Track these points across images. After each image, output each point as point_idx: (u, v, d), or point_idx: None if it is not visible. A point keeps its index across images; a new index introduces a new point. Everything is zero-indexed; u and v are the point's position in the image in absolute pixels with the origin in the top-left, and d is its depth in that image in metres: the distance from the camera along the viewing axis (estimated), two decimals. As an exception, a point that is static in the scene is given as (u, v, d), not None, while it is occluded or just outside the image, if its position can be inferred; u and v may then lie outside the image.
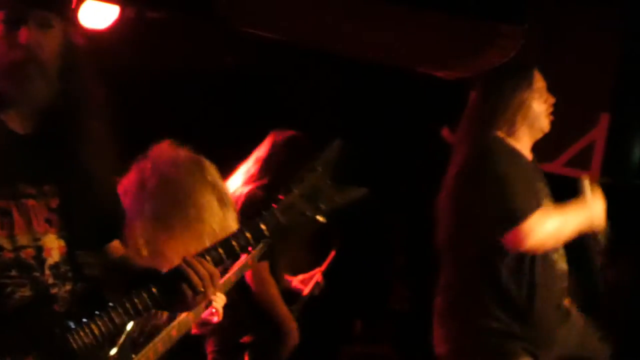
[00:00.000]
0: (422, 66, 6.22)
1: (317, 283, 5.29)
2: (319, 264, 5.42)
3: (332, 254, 5.38)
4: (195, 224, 3.33)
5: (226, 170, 4.90)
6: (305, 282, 5.29)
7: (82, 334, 2.62)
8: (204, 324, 4.68)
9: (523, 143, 4.11)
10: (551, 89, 5.35)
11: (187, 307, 2.74)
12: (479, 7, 5.61)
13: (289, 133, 5.07)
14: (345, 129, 7.02)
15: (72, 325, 2.64)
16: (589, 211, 4.01)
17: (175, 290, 2.66)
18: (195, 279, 2.64)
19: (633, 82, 5.57)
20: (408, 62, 6.17)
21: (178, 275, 2.65)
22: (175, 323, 3.58)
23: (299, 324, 5.05)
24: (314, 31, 5.90)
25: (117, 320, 2.65)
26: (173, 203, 3.33)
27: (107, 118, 2.80)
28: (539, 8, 5.77)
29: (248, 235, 2.75)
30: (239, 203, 4.79)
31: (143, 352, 3.48)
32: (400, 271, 7.46)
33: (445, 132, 6.29)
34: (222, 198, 3.36)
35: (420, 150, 6.81)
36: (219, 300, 3.81)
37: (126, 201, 3.21)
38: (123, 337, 3.18)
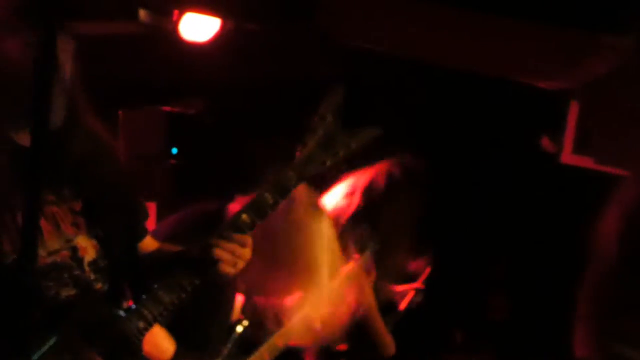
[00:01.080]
0: (523, 77, 6.19)
1: (414, 296, 5.25)
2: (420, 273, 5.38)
3: (429, 268, 5.33)
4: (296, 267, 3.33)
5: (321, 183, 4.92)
6: (403, 294, 5.25)
7: (134, 319, 2.67)
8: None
9: None
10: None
11: (227, 279, 2.80)
12: (580, 17, 5.55)
13: (405, 164, 4.99)
14: (447, 141, 7.03)
15: (122, 313, 2.69)
16: None
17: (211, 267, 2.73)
18: (225, 257, 2.71)
19: None
20: (508, 72, 6.14)
21: (209, 258, 2.72)
22: (280, 332, 3.62)
23: (396, 335, 5.03)
24: (412, 43, 5.91)
25: (165, 299, 2.71)
26: (280, 247, 3.33)
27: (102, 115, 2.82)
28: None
29: (273, 189, 2.81)
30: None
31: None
32: (499, 280, 7.41)
33: (545, 142, 6.27)
34: (330, 246, 3.35)
35: (518, 160, 6.77)
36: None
37: None
38: (231, 343, 3.24)
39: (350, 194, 4.93)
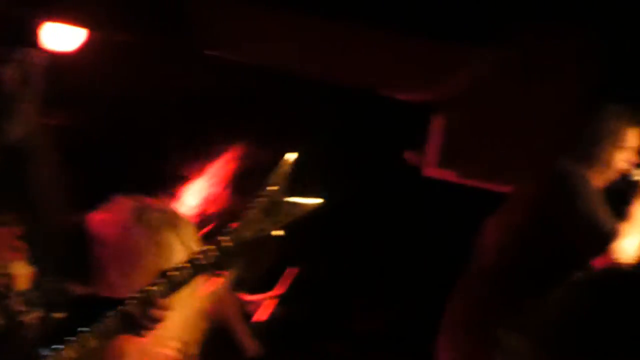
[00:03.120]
0: (385, 88, 6.24)
1: (273, 309, 5.25)
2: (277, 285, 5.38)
3: (292, 277, 5.35)
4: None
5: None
6: (259, 304, 5.25)
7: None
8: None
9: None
10: (526, 110, 5.44)
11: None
12: (445, 29, 5.63)
13: (247, 148, 5.05)
14: (310, 149, 7.06)
15: (44, 352, 2.65)
16: None
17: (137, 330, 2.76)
18: (140, 322, 2.74)
19: (600, 104, 5.63)
20: (371, 84, 6.19)
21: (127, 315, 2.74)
22: None
23: (262, 344, 5.04)
24: (280, 54, 5.93)
25: (91, 344, 2.68)
26: (139, 268, 3.29)
27: (57, 148, 2.80)
28: (507, 30, 5.80)
29: (213, 252, 2.81)
30: (198, 220, 4.80)
31: None
32: (365, 291, 7.47)
33: (409, 155, 6.35)
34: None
35: (386, 172, 6.84)
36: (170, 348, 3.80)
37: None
38: None
39: (212, 186, 4.94)
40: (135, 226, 3.21)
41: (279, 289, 5.28)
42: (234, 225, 2.85)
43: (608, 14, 5.42)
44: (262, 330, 5.14)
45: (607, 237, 4.00)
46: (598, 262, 4.06)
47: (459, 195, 6.06)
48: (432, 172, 6.06)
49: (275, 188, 2.90)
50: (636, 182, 4.25)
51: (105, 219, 3.29)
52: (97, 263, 3.21)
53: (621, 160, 4.23)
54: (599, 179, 4.22)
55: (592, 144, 4.21)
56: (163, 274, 2.79)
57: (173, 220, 3.30)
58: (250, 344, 4.96)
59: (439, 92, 5.97)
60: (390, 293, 7.17)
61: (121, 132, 6.02)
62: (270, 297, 5.24)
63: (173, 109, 6.37)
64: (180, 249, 3.25)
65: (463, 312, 4.31)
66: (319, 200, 2.93)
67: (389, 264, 7.12)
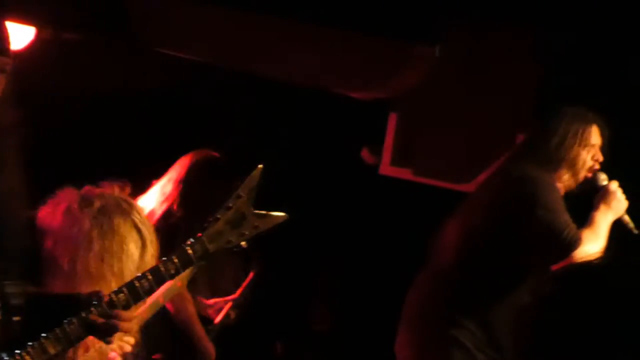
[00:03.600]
0: (337, 87, 6.24)
1: (229, 312, 5.21)
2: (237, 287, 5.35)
3: (248, 280, 5.32)
4: (115, 273, 3.25)
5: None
6: (217, 307, 5.21)
7: None
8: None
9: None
10: (469, 107, 5.44)
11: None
12: (392, 28, 5.64)
13: (208, 154, 5.02)
14: (263, 151, 7.03)
15: (4, 357, 2.62)
16: (614, 209, 4.18)
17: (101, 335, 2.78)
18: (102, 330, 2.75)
19: (551, 103, 5.66)
20: (323, 83, 6.18)
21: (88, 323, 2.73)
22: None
23: (217, 346, 5.01)
24: (230, 52, 5.89)
25: (51, 350, 2.66)
26: (89, 255, 3.24)
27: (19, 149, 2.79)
28: (458, 27, 5.81)
29: (177, 262, 2.83)
30: (155, 222, 4.74)
31: None
32: (321, 292, 7.46)
33: (364, 154, 6.34)
34: (145, 244, 3.30)
35: (341, 171, 6.82)
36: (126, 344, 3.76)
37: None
38: None
39: (164, 195, 4.89)
40: (82, 213, 3.16)
41: (237, 293, 5.23)
42: (199, 235, 2.88)
43: (555, 11, 5.46)
44: (217, 334, 5.10)
45: (567, 245, 4.00)
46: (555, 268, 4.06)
47: (415, 194, 6.06)
48: (388, 170, 6.05)
49: (241, 200, 2.90)
50: (602, 187, 4.26)
51: (51, 210, 3.24)
52: (49, 256, 3.17)
53: (588, 159, 4.23)
54: (568, 181, 4.23)
55: (556, 146, 4.20)
56: (128, 284, 2.79)
57: (123, 207, 3.24)
58: (207, 347, 4.92)
59: (391, 91, 5.97)
60: (347, 292, 7.15)
61: (70, 131, 5.96)
62: (228, 301, 5.19)
63: (122, 107, 6.32)
64: (134, 235, 3.20)
65: (418, 310, 4.31)
66: (284, 215, 2.99)
67: (346, 263, 7.11)
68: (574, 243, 4.01)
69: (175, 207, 4.80)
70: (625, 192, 4.28)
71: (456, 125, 5.83)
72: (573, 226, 4.07)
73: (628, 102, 5.12)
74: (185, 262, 2.84)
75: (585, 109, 4.32)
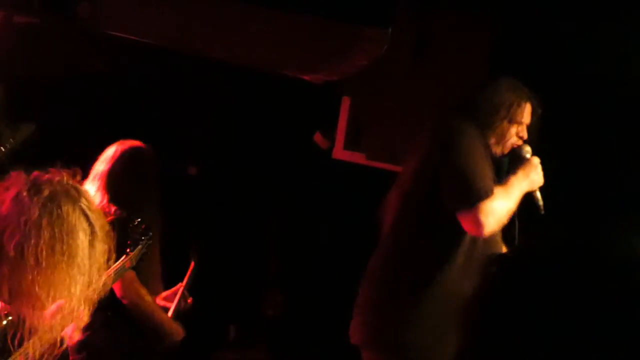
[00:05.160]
0: (287, 69, 6.23)
1: (182, 298, 5.18)
2: (181, 277, 5.31)
3: (192, 265, 5.28)
4: (65, 261, 3.22)
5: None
6: (169, 298, 5.18)
7: None
8: (79, 349, 4.61)
9: None
10: (421, 90, 5.42)
11: None
12: (342, 10, 5.63)
13: (132, 144, 4.96)
14: (217, 134, 7.00)
15: None
16: (530, 181, 4.17)
17: None
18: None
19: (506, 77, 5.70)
20: (273, 64, 6.17)
21: None
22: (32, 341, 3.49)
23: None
24: (181, 34, 5.85)
25: None
26: (38, 243, 3.20)
27: None
28: (409, 11, 5.82)
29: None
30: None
31: None
32: (273, 275, 7.47)
33: (317, 138, 6.34)
34: (94, 231, 3.27)
35: (293, 155, 6.82)
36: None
37: None
38: None
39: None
40: (31, 200, 3.12)
41: (182, 283, 5.20)
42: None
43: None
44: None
45: (477, 192, 3.94)
46: (466, 222, 4.01)
47: (368, 178, 6.07)
48: (341, 154, 6.05)
49: None
50: (525, 158, 4.25)
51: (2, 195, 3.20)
52: None
53: (513, 134, 4.23)
54: (494, 147, 4.21)
55: (486, 114, 4.19)
56: None
57: (72, 194, 3.20)
58: (173, 328, 4.91)
59: (343, 73, 5.96)
60: (301, 277, 7.16)
61: (19, 114, 5.91)
62: (177, 290, 5.16)
63: (77, 89, 6.27)
64: (82, 223, 3.17)
65: (369, 293, 4.31)
66: (32, 125, 3.08)
67: (299, 248, 7.12)
68: (485, 192, 3.95)
69: (106, 202, 4.76)
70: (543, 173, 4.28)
71: (408, 109, 5.84)
72: (488, 178, 4.03)
73: (569, 88, 5.17)
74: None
75: (522, 85, 4.31)
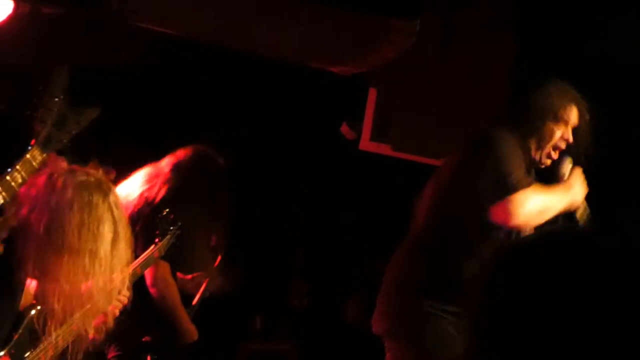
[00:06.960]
0: (316, 61, 6.23)
1: (208, 284, 5.22)
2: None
3: (219, 257, 5.32)
4: (89, 249, 3.25)
5: (123, 169, 4.85)
6: (196, 282, 5.22)
7: None
8: (106, 341, 4.65)
9: None
10: (448, 82, 5.40)
11: None
12: (370, 2, 5.63)
13: (199, 151, 5.03)
14: (243, 125, 7.02)
15: None
16: (572, 193, 4.16)
17: None
18: None
19: (528, 78, 5.66)
20: (300, 56, 6.18)
21: None
22: (61, 330, 3.52)
23: (196, 321, 5.03)
24: (206, 26, 5.87)
25: None
26: (66, 225, 3.24)
27: None
28: (436, 2, 5.81)
29: (21, 170, 3.02)
30: (135, 208, 4.78)
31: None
32: (299, 267, 7.48)
33: (344, 129, 6.35)
34: (117, 227, 3.30)
35: (319, 146, 6.83)
36: (122, 298, 3.76)
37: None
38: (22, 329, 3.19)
39: (150, 180, 4.91)
40: (64, 182, 3.18)
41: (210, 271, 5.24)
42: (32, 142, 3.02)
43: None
44: (196, 311, 5.12)
45: (510, 183, 3.96)
46: (496, 212, 4.02)
47: (395, 169, 6.07)
48: (368, 146, 6.05)
49: (60, 101, 3.10)
50: (563, 175, 4.24)
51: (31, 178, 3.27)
52: (23, 224, 3.18)
53: (558, 137, 4.22)
54: (533, 153, 4.21)
55: (532, 117, 4.19)
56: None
57: (103, 187, 3.25)
58: (190, 329, 4.97)
59: (371, 65, 5.97)
60: (326, 268, 7.18)
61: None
62: (206, 276, 5.20)
63: (101, 82, 6.29)
64: (109, 217, 3.21)
65: (394, 282, 4.32)
66: (97, 109, 3.18)
67: (325, 239, 7.13)
68: (518, 184, 3.95)
69: (156, 201, 4.81)
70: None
71: (434, 100, 5.84)
72: (522, 175, 4.04)
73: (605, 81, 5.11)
74: (29, 168, 3.03)
75: (569, 87, 4.30)
